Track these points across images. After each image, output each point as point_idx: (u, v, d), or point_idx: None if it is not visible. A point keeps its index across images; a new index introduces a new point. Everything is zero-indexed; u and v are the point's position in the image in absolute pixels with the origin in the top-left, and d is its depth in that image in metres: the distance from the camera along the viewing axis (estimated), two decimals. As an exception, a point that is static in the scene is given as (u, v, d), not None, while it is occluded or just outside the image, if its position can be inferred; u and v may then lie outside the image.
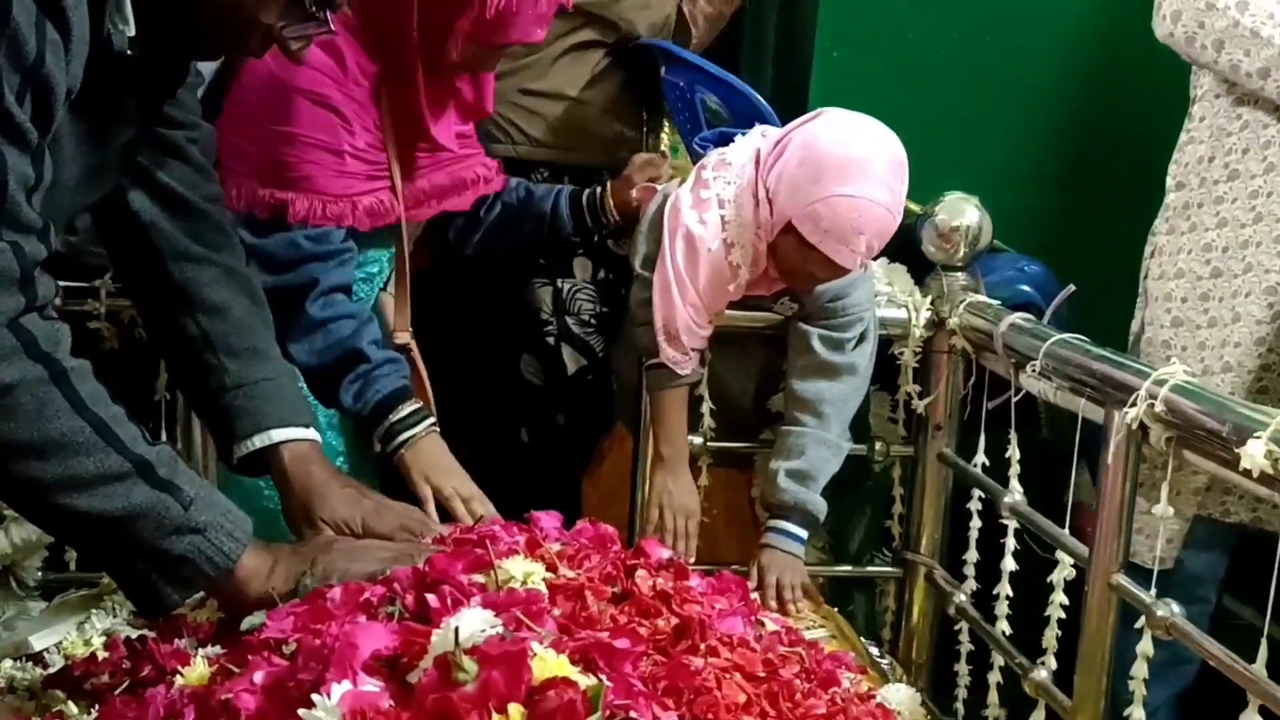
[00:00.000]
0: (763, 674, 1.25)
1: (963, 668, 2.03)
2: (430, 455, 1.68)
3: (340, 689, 0.88)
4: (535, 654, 0.91)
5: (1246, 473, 1.28)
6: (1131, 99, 2.69)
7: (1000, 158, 2.88)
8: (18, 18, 0.97)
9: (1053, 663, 1.72)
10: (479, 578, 1.12)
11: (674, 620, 1.28)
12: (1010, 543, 1.85)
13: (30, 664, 1.39)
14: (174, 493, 1.17)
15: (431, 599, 1.06)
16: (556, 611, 1.09)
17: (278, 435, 1.45)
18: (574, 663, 0.94)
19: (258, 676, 1.02)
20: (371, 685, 0.91)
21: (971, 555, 1.98)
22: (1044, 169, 2.89)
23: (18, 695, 1.31)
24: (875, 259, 1.95)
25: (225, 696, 0.96)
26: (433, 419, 1.72)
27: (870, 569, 2.13)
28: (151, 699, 1.02)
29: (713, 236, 1.82)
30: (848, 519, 2.16)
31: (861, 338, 1.93)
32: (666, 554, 1.51)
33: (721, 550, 2.04)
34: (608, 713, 0.89)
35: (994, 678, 1.91)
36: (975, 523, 1.97)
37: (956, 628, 2.02)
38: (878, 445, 2.05)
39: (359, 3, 1.69)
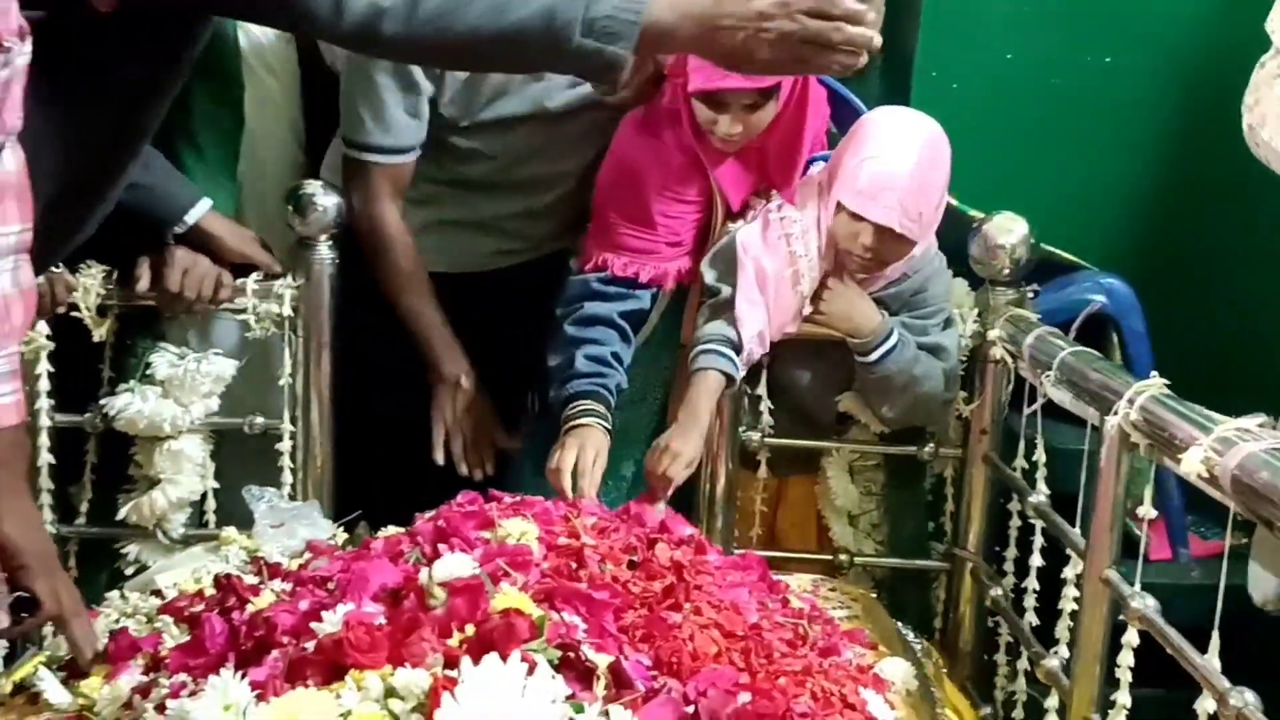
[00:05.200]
0: (742, 633, 1.44)
1: (1002, 658, 2.16)
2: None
3: (344, 608, 1.12)
4: (503, 591, 1.13)
5: (1201, 478, 1.41)
6: (1237, 122, 2.74)
7: (1098, 177, 2.96)
8: None
9: (1065, 651, 1.84)
10: (485, 534, 1.34)
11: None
12: (1038, 540, 1.98)
13: (152, 597, 1.69)
14: None
15: (443, 548, 1.29)
16: (546, 565, 1.30)
17: None
18: (538, 602, 1.16)
19: (303, 604, 1.27)
20: (373, 608, 1.14)
21: (1011, 552, 2.11)
22: (1143, 190, 2.95)
23: (137, 619, 1.60)
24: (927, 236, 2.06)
25: (267, 615, 1.21)
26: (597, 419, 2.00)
27: (920, 562, 2.28)
28: (207, 620, 1.27)
29: (781, 268, 2.02)
30: (903, 514, 2.30)
31: (946, 323, 2.10)
32: (690, 531, 1.71)
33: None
34: (556, 641, 1.10)
35: (1022, 665, 2.04)
36: (1015, 522, 2.10)
37: (995, 619, 2.15)
38: (928, 446, 2.19)
39: None
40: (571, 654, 1.08)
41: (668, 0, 1.44)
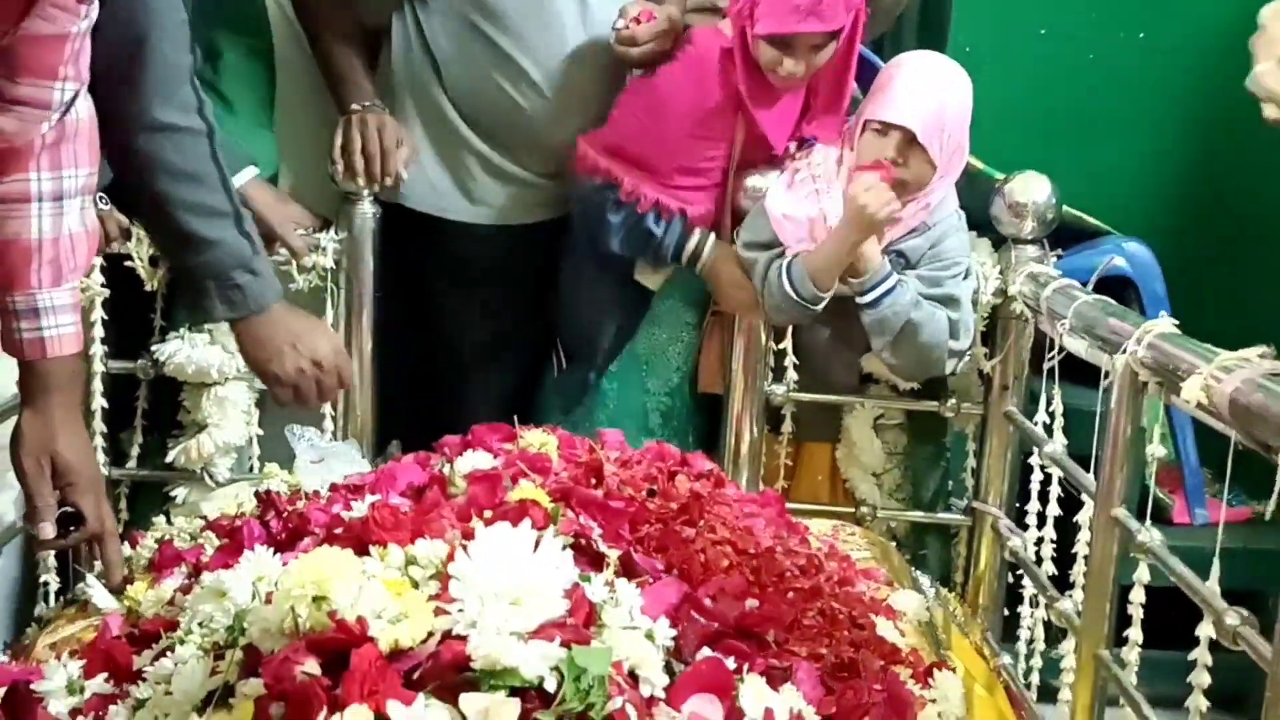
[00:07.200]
0: (753, 552, 1.49)
1: (1026, 609, 2.20)
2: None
3: (372, 498, 1.19)
4: (521, 486, 1.20)
5: (1201, 406, 1.45)
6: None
7: (1129, 150, 3.00)
8: None
9: (1080, 595, 1.88)
10: (509, 445, 1.41)
11: (685, 504, 1.53)
12: (1054, 489, 2.02)
13: (197, 520, 1.77)
14: (250, 242, 1.65)
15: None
16: (565, 475, 1.37)
17: None
18: (555, 501, 1.22)
19: (336, 508, 1.35)
20: (400, 501, 1.21)
21: (1033, 506, 2.15)
22: (1172, 162, 2.99)
23: (182, 538, 1.69)
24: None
25: (302, 512, 1.29)
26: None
27: (942, 516, 2.32)
28: (246, 524, 1.35)
29: (810, 211, 2.09)
30: (925, 473, 2.34)
31: (965, 274, 2.15)
32: (709, 466, 1.77)
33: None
34: (569, 533, 1.17)
35: (1039, 614, 2.08)
36: (1037, 476, 2.14)
37: (1019, 572, 2.19)
38: (950, 401, 2.23)
39: None
40: (584, 541, 1.15)
41: (285, 322, 1.72)
